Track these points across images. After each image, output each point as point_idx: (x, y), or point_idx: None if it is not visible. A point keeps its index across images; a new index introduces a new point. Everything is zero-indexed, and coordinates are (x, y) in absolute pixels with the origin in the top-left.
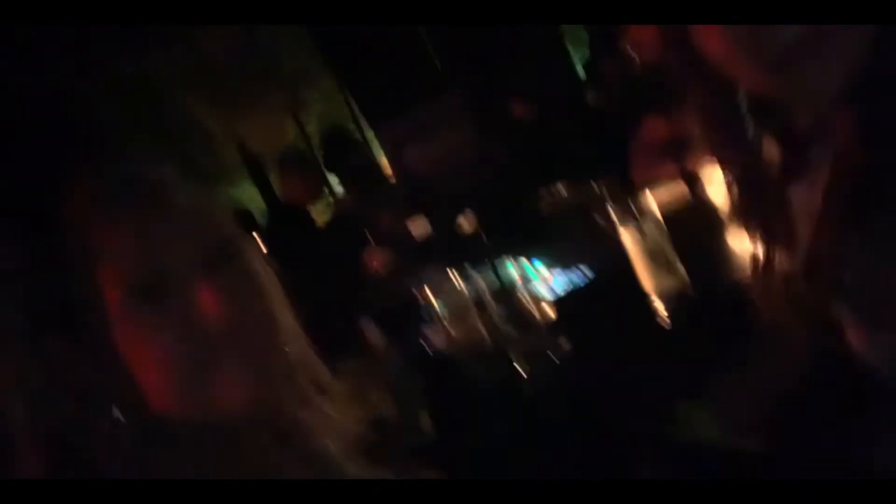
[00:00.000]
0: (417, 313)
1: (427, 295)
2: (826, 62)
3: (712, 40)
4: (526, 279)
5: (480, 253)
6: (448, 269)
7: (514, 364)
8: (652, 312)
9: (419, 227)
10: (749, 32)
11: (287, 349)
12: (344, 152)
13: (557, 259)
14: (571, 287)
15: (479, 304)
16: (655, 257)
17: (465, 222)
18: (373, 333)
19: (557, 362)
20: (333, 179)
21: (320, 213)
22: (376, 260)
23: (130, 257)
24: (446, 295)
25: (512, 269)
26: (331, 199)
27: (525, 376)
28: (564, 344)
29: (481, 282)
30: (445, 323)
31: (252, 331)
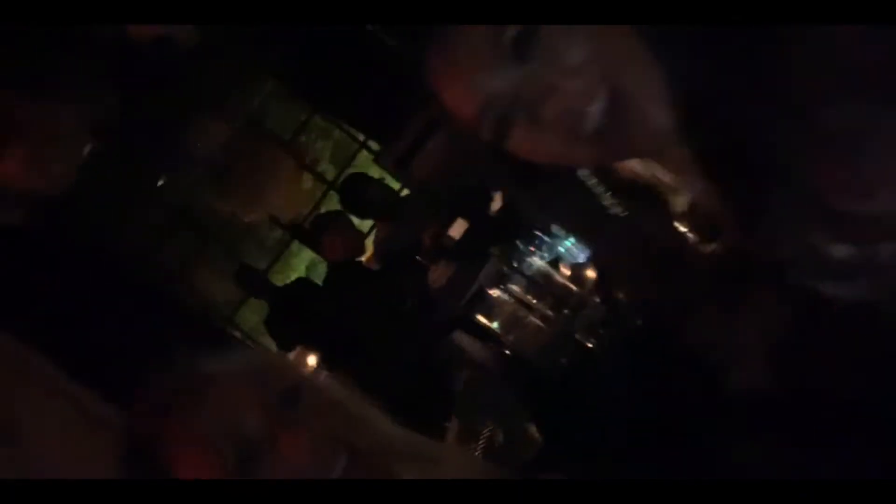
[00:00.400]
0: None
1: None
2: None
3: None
4: (562, 255)
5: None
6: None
7: (582, 341)
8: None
9: (458, 227)
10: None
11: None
12: (365, 190)
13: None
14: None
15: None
16: None
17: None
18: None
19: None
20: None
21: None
22: (441, 276)
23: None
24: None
25: (550, 246)
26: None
27: (594, 347)
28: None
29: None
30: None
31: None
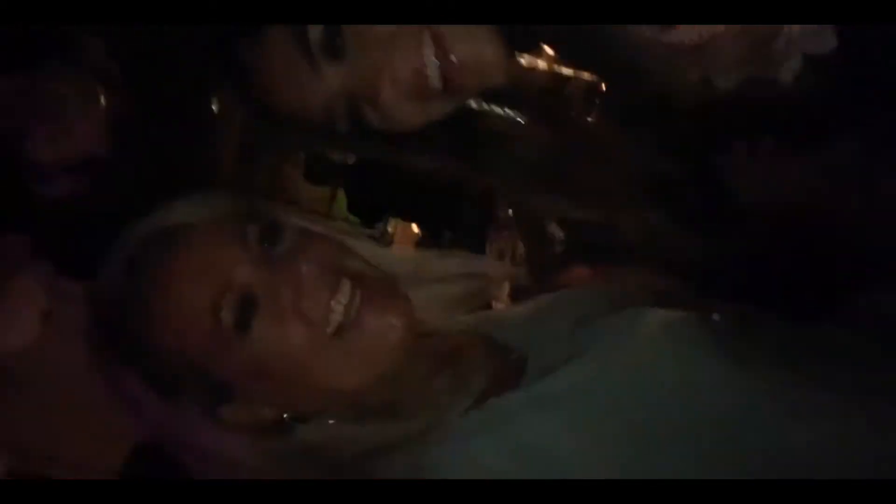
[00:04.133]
0: None
1: None
2: None
3: None
4: None
5: None
6: None
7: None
8: None
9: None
10: None
11: None
12: None
13: None
14: None
15: None
16: None
17: None
18: None
19: None
20: None
21: None
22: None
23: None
24: None
25: None
26: None
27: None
28: None
29: None
30: None
31: None
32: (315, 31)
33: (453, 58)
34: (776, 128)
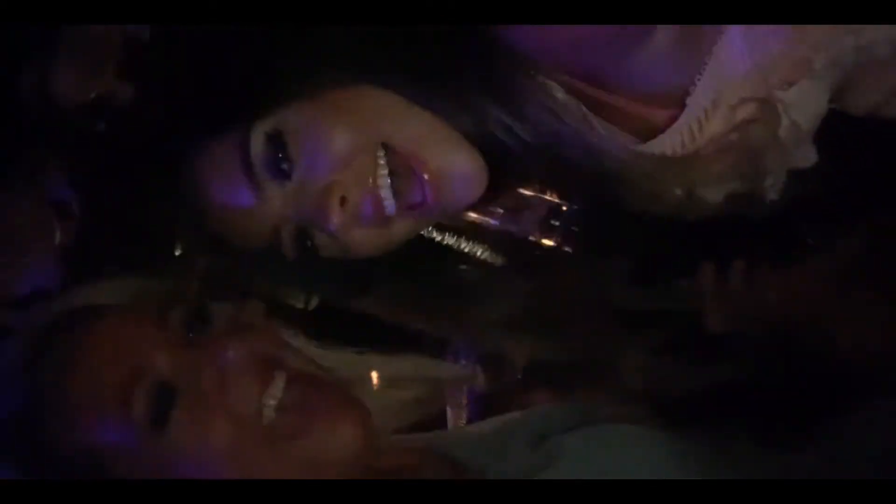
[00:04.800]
0: None
1: None
2: None
3: None
4: None
5: None
6: None
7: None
8: None
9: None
10: None
11: None
12: None
13: None
14: None
15: None
16: None
17: None
18: None
19: None
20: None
21: None
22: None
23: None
24: None
25: None
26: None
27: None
28: None
29: None
30: None
31: None
32: (257, 145)
33: (426, 175)
34: (756, 245)
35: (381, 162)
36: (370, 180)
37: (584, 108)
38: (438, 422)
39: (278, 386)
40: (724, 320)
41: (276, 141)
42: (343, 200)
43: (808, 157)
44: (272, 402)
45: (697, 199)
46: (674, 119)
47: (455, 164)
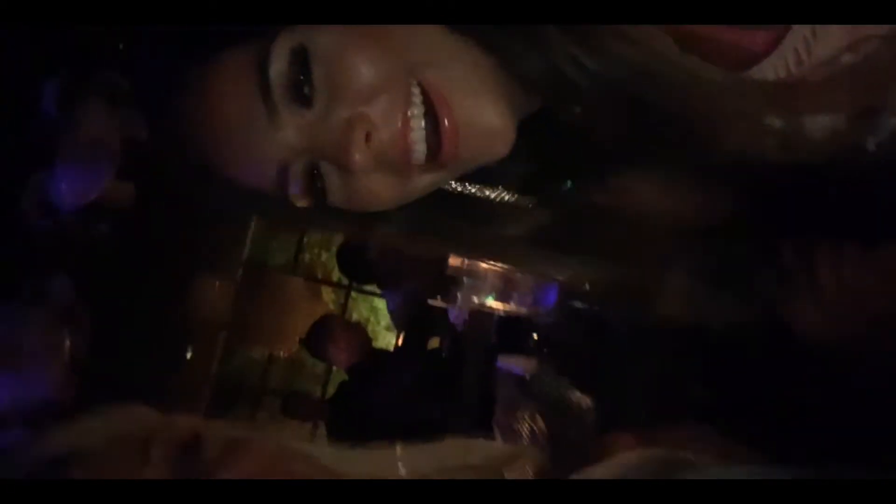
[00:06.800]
0: None
1: None
2: None
3: None
4: None
5: None
6: None
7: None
8: None
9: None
10: None
11: None
12: (363, 254)
13: None
14: None
15: None
16: None
17: None
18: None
19: None
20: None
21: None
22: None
23: None
24: None
25: None
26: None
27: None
28: None
29: None
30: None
31: None
32: (279, 61)
33: (446, 122)
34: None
35: (416, 101)
36: (399, 120)
37: (671, 40)
38: None
39: None
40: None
41: (301, 59)
42: (368, 136)
43: None
44: None
45: (798, 139)
46: (776, 42)
47: (482, 118)
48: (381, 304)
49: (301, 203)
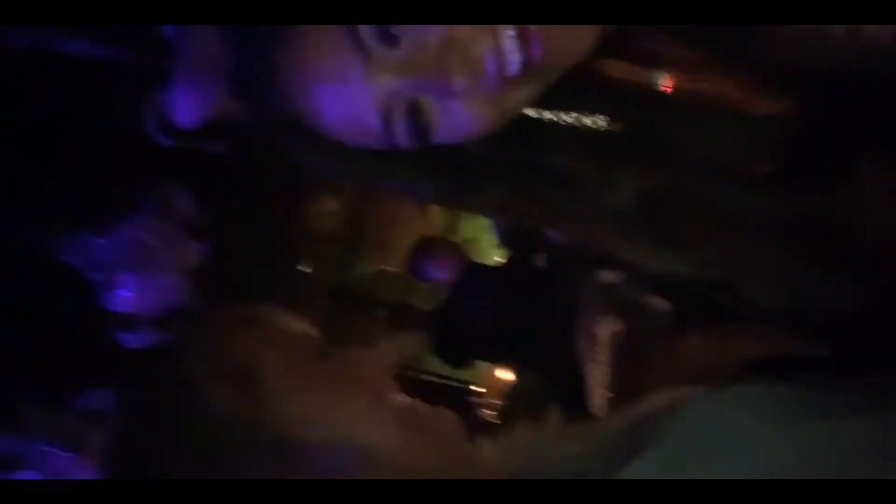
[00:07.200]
0: None
1: None
2: None
3: None
4: None
5: None
6: None
7: None
8: None
9: None
10: None
11: None
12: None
13: None
14: None
15: None
16: None
17: None
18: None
19: None
20: None
21: None
22: None
23: None
24: None
25: None
26: None
27: None
28: None
29: None
30: None
31: None
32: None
33: (533, 26)
34: None
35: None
36: (489, 34)
37: None
38: None
39: None
40: None
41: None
42: (463, 56)
43: None
44: None
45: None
46: None
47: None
48: (489, 223)
49: (410, 144)
